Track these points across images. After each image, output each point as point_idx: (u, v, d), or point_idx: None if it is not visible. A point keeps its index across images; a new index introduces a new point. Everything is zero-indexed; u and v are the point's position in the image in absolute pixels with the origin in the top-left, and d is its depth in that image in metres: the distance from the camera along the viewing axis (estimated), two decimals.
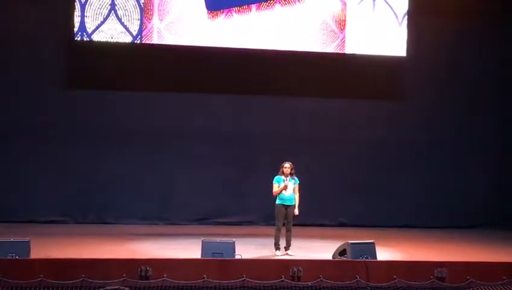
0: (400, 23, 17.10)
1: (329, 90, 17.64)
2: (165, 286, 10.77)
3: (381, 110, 17.97)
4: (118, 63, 16.82)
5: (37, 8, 16.74)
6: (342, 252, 12.07)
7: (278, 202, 12.91)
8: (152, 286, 10.78)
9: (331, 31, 16.90)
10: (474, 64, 18.23)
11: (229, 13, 16.59)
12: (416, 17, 17.31)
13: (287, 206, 12.87)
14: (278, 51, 16.79)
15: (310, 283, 11.25)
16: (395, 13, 17.12)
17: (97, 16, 16.24)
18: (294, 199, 12.93)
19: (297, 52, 16.85)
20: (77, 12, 16.10)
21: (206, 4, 16.50)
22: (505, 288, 11.49)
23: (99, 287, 10.70)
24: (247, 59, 17.02)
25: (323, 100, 17.71)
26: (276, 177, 12.94)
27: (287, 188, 12.84)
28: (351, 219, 17.60)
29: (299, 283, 11.28)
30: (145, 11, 16.34)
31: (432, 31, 17.76)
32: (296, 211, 12.93)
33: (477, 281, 11.53)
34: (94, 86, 17.00)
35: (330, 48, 16.93)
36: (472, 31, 18.09)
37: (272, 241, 13.02)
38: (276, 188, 12.89)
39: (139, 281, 10.80)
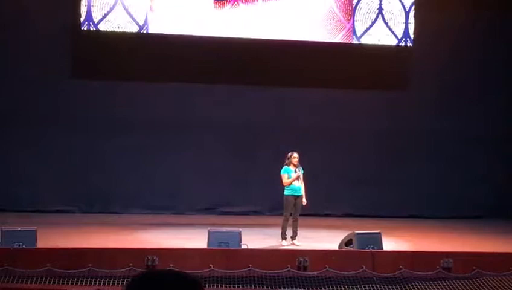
0: (407, 14, 17.05)
1: (336, 80, 17.60)
2: None
3: (387, 100, 17.93)
4: (124, 53, 16.79)
5: None
6: (348, 242, 12.08)
7: (287, 192, 12.89)
8: None
9: (337, 20, 16.85)
10: (480, 55, 18.16)
11: (236, 3, 16.55)
12: (424, 7, 17.26)
13: (296, 197, 12.87)
14: (284, 40, 16.76)
15: (316, 273, 11.27)
16: (402, 3, 17.07)
17: (104, 5, 16.22)
18: (301, 189, 12.94)
19: (303, 42, 16.81)
20: (84, 2, 16.09)
21: None
22: (510, 278, 11.48)
23: (106, 276, 10.74)
24: (253, 49, 16.98)
25: (330, 90, 17.67)
26: (284, 167, 12.92)
27: (299, 178, 12.84)
28: (357, 209, 17.59)
29: (305, 272, 11.30)
30: (151, 1, 16.31)
31: (438, 22, 17.69)
32: (305, 201, 12.93)
33: (484, 272, 11.53)
34: (100, 76, 17.00)
35: (337, 38, 16.89)
36: (479, 22, 18.02)
37: (278, 231, 13.03)
38: (286, 178, 12.86)
39: (146, 270, 10.81)
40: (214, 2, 16.48)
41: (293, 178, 12.83)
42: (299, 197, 12.89)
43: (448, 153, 18.10)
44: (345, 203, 17.69)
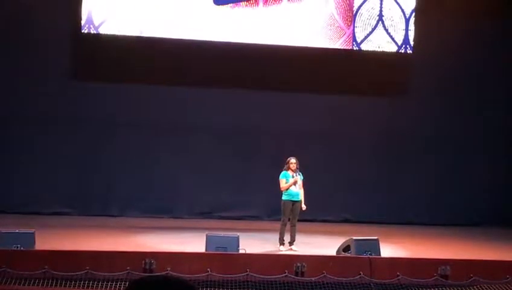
0: (407, 21, 17.07)
1: (336, 86, 17.64)
2: None
3: (387, 106, 17.95)
4: (124, 56, 16.80)
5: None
6: (346, 248, 12.09)
7: (285, 197, 12.91)
8: None
9: (338, 27, 16.88)
10: (480, 61, 18.19)
11: (236, 8, 16.56)
12: (424, 13, 17.30)
13: (294, 202, 12.88)
14: (284, 46, 16.77)
15: (313, 279, 11.27)
16: (402, 10, 17.09)
17: (104, 9, 16.22)
18: (300, 194, 12.94)
19: (303, 47, 16.83)
20: (85, 5, 16.12)
21: None
22: (508, 286, 11.49)
23: (104, 279, 10.74)
24: (253, 54, 16.98)
25: (329, 96, 17.70)
26: (282, 172, 12.95)
27: (296, 183, 12.85)
28: (354, 215, 17.60)
29: (303, 278, 11.30)
30: (152, 5, 16.31)
31: (438, 28, 17.74)
32: (304, 206, 12.94)
33: (481, 279, 11.53)
34: (100, 79, 17.02)
35: (337, 44, 16.91)
36: (479, 29, 18.06)
37: (276, 236, 13.04)
38: (284, 183, 12.88)
39: (143, 274, 10.82)
40: (215, 7, 16.49)
41: (290, 183, 12.84)
42: (296, 202, 12.90)
43: (447, 160, 18.12)
44: (343, 209, 17.70)
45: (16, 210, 16.06)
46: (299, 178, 12.92)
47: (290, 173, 12.90)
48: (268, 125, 17.45)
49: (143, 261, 11.06)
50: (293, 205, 12.88)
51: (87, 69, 17.03)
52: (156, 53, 16.90)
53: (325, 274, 11.31)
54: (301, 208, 12.94)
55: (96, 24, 16.20)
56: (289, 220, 12.91)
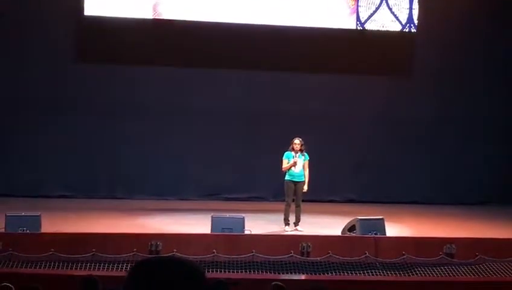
0: None
1: (340, 66, 17.57)
2: None
3: (391, 86, 17.89)
4: (128, 38, 16.74)
5: None
6: (351, 228, 12.11)
7: (287, 178, 12.91)
8: None
9: (341, 6, 16.79)
10: (485, 40, 18.10)
11: None
12: None
13: (296, 182, 12.86)
14: (287, 26, 16.71)
15: (319, 259, 11.31)
16: None
17: None
18: (304, 176, 12.91)
19: (307, 27, 16.77)
20: None
21: None
22: None
23: (110, 262, 10.79)
24: (256, 35, 16.93)
25: (333, 76, 17.64)
26: (286, 153, 12.93)
27: (296, 164, 12.82)
28: (360, 195, 17.60)
29: (308, 258, 11.34)
30: None
31: (443, 7, 17.63)
32: (305, 188, 12.92)
33: (486, 258, 11.56)
34: (105, 61, 16.98)
35: (341, 24, 16.84)
36: (483, 7, 17.96)
37: (281, 217, 13.06)
38: (285, 164, 12.88)
39: (149, 255, 10.86)
40: None
41: (289, 164, 12.82)
42: (298, 183, 12.86)
43: (451, 139, 18.07)
44: (348, 189, 17.70)
45: (21, 193, 16.07)
46: (301, 159, 12.86)
47: (292, 153, 12.88)
48: (273, 107, 17.40)
49: (149, 243, 11.12)
50: (295, 185, 12.86)
51: (92, 51, 16.98)
52: (160, 35, 16.85)
53: (330, 254, 11.34)
54: (303, 189, 12.93)
55: (100, 6, 16.13)
56: (293, 200, 12.90)
